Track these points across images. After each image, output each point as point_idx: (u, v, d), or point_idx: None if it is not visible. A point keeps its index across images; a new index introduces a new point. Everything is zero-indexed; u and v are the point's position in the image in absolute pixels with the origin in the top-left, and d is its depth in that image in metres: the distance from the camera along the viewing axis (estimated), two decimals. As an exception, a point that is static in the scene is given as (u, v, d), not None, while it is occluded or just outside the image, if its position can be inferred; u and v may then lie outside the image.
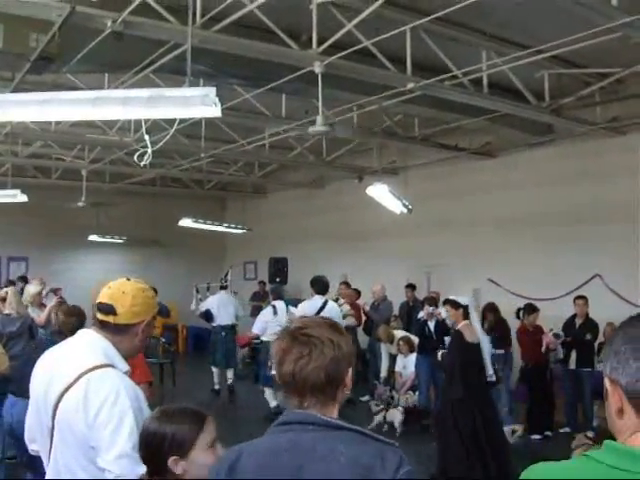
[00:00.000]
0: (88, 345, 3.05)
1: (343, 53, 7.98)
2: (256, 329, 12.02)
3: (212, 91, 4.48)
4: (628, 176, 11.66)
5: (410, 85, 9.04)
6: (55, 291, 11.14)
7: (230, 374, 14.29)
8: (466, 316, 8.26)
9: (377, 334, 13.07)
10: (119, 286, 3.17)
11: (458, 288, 14.41)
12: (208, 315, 14.38)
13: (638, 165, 11.60)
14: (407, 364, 12.33)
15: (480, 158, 14.38)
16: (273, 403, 11.65)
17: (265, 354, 11.33)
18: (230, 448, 2.25)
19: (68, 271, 19.80)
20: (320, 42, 7.97)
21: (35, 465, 3.35)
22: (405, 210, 12.53)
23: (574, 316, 11.18)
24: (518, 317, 11.27)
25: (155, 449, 2.63)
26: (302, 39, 8.43)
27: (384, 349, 13.11)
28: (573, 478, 1.58)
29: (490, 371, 8.26)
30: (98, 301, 3.13)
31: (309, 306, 10.54)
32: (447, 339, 9.67)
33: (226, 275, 16.19)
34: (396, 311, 15.04)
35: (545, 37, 8.21)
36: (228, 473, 2.14)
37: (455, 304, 8.32)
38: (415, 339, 12.35)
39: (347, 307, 13.63)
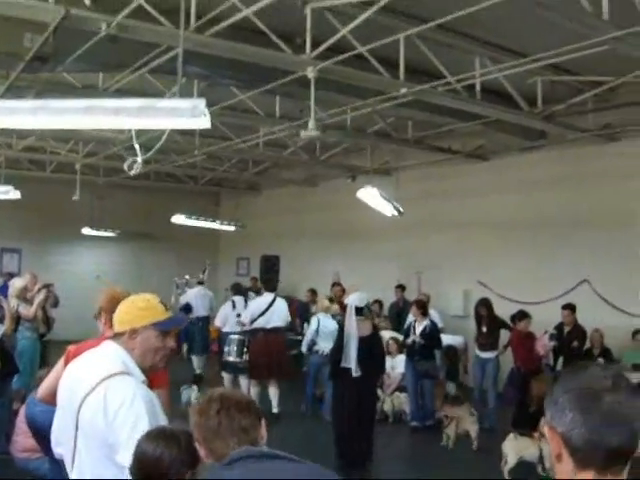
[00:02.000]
0: (108, 355, 3.29)
1: (336, 59, 8.03)
2: (217, 322, 13.35)
3: (202, 102, 4.53)
4: (619, 183, 11.76)
5: (403, 90, 9.10)
6: (47, 287, 11.13)
7: (200, 360, 14.91)
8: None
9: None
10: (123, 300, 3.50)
11: (448, 290, 14.59)
12: (188, 307, 14.95)
13: (629, 172, 11.69)
14: (395, 365, 12.38)
15: (473, 161, 14.45)
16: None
17: (230, 344, 11.98)
18: None
19: (61, 263, 19.89)
20: (314, 46, 8.01)
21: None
22: (396, 213, 12.57)
23: (562, 323, 11.26)
24: (514, 322, 11.29)
25: (151, 469, 2.80)
26: (296, 42, 8.45)
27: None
28: None
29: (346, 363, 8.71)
30: None
31: (260, 302, 11.92)
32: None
33: (204, 271, 16.52)
34: (386, 311, 15.13)
35: (538, 44, 8.29)
36: None
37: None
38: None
39: (336, 307, 13.72)
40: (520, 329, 10.95)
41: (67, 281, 17.93)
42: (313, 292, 15.46)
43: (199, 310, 15.19)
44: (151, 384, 3.55)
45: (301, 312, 15.51)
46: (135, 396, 3.07)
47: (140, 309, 3.36)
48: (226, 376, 12.38)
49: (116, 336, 3.35)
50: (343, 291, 13.31)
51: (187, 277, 16.73)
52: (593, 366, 1.77)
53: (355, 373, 8.65)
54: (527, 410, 10.10)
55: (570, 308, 11.30)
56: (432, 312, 12.12)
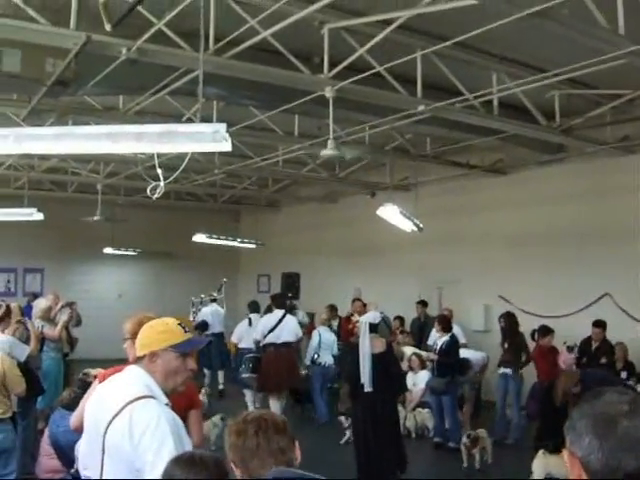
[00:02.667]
0: (132, 379, 3.36)
1: (354, 79, 8.09)
2: (234, 338, 13.79)
3: (222, 127, 4.59)
4: (637, 195, 11.70)
5: (421, 107, 9.14)
6: (70, 305, 11.24)
7: (221, 376, 15.36)
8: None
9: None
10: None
11: (469, 305, 14.56)
12: (204, 325, 15.38)
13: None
14: (417, 381, 12.36)
15: (491, 176, 14.44)
16: (251, 407, 12.02)
17: (246, 362, 12.23)
18: None
19: (83, 283, 20.05)
20: (332, 66, 8.08)
21: None
22: (416, 229, 12.59)
23: (589, 338, 11.17)
24: (533, 338, 11.25)
25: None
26: (314, 62, 8.52)
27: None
28: None
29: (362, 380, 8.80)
30: None
31: (270, 319, 12.25)
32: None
33: (219, 289, 16.82)
34: (407, 327, 15.12)
35: (555, 59, 8.32)
36: None
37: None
38: (426, 355, 12.44)
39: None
40: (543, 344, 10.90)
41: (89, 300, 18.06)
42: (332, 308, 15.49)
43: (215, 327, 15.65)
44: (185, 406, 3.66)
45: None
46: (160, 419, 3.13)
47: (159, 332, 3.43)
48: (247, 392, 12.70)
49: (138, 360, 3.42)
50: (364, 306, 13.45)
51: (202, 296, 16.94)
52: (610, 392, 1.79)
53: (368, 388, 8.73)
54: (551, 423, 10.04)
55: (602, 326, 11.22)
56: (455, 327, 12.06)
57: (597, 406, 1.74)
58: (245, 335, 13.20)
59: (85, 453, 3.47)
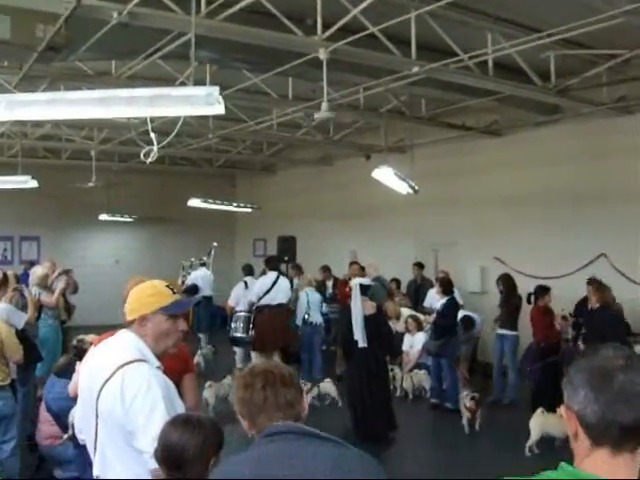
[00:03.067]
0: (124, 343, 3.38)
1: (348, 40, 8.01)
2: (231, 301, 13.86)
3: (215, 90, 4.55)
4: (634, 156, 11.67)
5: (415, 69, 9.07)
6: (66, 272, 11.24)
7: (204, 340, 15.91)
8: None
9: (385, 310, 13.15)
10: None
11: (465, 266, 14.59)
12: (195, 288, 15.54)
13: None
14: (414, 343, 12.44)
15: (487, 137, 14.38)
16: (239, 365, 13.00)
17: (237, 321, 12.69)
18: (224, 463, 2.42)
19: (80, 249, 20.09)
20: (325, 27, 8.00)
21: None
22: (411, 191, 12.57)
23: (585, 298, 11.15)
24: (529, 302, 11.25)
25: (176, 457, 2.91)
26: (307, 24, 8.43)
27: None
28: None
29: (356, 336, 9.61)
30: None
31: (265, 281, 12.57)
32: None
33: (209, 253, 17.08)
34: (404, 289, 15.18)
35: (550, 19, 8.25)
36: None
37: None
38: (422, 318, 12.53)
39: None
40: (542, 305, 10.91)
41: (86, 267, 18.10)
42: (325, 269, 15.56)
43: (205, 290, 16.05)
44: (179, 369, 3.68)
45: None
46: (151, 383, 3.16)
47: (148, 296, 3.45)
48: (238, 350, 13.40)
49: (129, 325, 3.43)
50: (362, 269, 13.52)
51: (192, 259, 17.32)
52: (606, 347, 1.80)
53: (362, 344, 9.46)
54: (548, 383, 10.14)
55: (595, 283, 11.16)
56: (455, 290, 12.06)
57: (593, 361, 1.77)
58: (242, 298, 13.39)
59: (80, 417, 3.52)
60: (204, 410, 9.52)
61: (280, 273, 12.90)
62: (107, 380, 3.18)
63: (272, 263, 13.01)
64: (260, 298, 12.33)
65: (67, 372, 5.80)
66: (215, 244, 17.34)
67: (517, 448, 8.52)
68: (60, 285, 10.71)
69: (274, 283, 12.43)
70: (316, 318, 13.35)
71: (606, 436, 1.70)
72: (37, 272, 10.53)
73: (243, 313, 12.58)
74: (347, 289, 12.71)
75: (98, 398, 3.21)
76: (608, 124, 12.23)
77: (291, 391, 2.56)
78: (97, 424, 3.26)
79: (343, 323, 10.47)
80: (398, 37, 8.75)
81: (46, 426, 7.04)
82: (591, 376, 1.73)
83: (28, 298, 8.75)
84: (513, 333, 11.40)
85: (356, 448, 2.39)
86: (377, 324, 9.76)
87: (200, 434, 2.94)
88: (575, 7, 7.50)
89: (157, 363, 3.33)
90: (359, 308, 9.61)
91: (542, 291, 11.01)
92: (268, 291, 12.34)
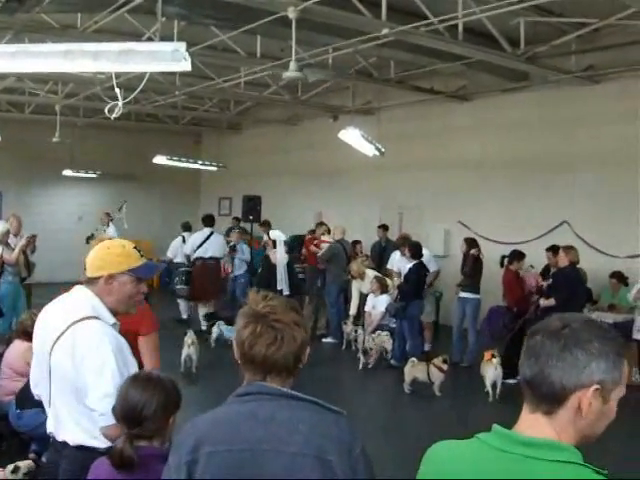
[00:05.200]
0: (78, 300, 3.35)
1: (318, -1, 7.94)
2: (169, 253, 15.08)
3: (182, 46, 4.50)
4: (600, 125, 11.78)
5: (385, 31, 9.02)
6: (33, 237, 11.05)
7: None
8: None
9: (349, 269, 13.21)
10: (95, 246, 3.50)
11: (429, 229, 14.69)
12: None
13: (610, 115, 11.72)
14: (377, 304, 12.47)
15: (454, 102, 14.42)
16: (184, 315, 14.60)
17: (177, 276, 14.09)
18: (193, 420, 2.34)
19: (43, 205, 19.82)
20: (295, -15, 7.92)
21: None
22: (377, 153, 12.56)
23: (548, 267, 11.22)
24: (502, 265, 11.27)
25: (136, 415, 2.92)
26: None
27: (355, 287, 13.27)
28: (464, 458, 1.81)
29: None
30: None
31: (197, 236, 14.12)
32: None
33: (120, 207, 16.99)
34: (368, 250, 15.21)
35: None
36: (194, 446, 2.23)
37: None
38: (391, 283, 12.56)
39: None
40: (515, 269, 10.89)
41: (49, 223, 17.93)
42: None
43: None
44: (138, 331, 3.65)
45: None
46: (102, 339, 3.15)
47: (117, 255, 3.38)
48: (181, 302, 14.64)
49: (90, 281, 3.37)
50: (328, 231, 13.65)
51: (110, 212, 17.33)
52: (569, 313, 1.83)
53: (286, 292, 11.24)
54: (518, 348, 10.19)
55: (554, 250, 11.19)
56: (426, 252, 12.09)
57: (540, 324, 1.81)
58: (179, 251, 14.75)
59: (35, 371, 3.49)
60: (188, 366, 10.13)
61: (213, 229, 14.23)
62: (59, 336, 3.17)
63: (206, 221, 14.37)
64: (194, 251, 13.77)
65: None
66: (125, 200, 17.74)
67: (476, 405, 8.73)
68: (21, 242, 10.59)
69: (207, 238, 13.86)
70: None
71: (525, 394, 1.77)
72: (-1, 228, 10.40)
73: (184, 268, 13.91)
74: (312, 247, 13.25)
75: (51, 353, 3.20)
76: (575, 93, 12.33)
77: None
78: (50, 380, 3.26)
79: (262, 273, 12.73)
80: (369, -1, 8.70)
81: (8, 382, 7.01)
82: (527, 338, 1.80)
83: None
84: (475, 296, 11.49)
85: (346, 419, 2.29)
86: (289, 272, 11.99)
87: (162, 393, 2.96)
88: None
89: (112, 320, 3.31)
90: (282, 258, 11.28)
91: (518, 255, 10.91)
92: (200, 245, 13.75)
